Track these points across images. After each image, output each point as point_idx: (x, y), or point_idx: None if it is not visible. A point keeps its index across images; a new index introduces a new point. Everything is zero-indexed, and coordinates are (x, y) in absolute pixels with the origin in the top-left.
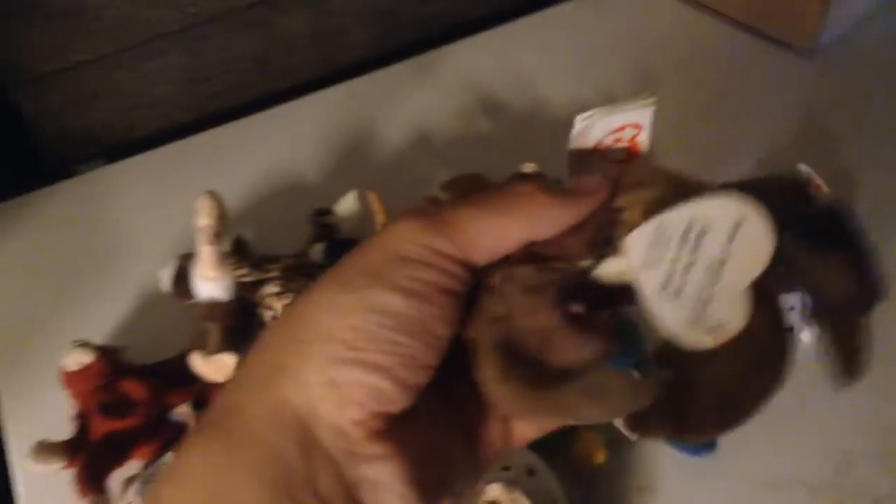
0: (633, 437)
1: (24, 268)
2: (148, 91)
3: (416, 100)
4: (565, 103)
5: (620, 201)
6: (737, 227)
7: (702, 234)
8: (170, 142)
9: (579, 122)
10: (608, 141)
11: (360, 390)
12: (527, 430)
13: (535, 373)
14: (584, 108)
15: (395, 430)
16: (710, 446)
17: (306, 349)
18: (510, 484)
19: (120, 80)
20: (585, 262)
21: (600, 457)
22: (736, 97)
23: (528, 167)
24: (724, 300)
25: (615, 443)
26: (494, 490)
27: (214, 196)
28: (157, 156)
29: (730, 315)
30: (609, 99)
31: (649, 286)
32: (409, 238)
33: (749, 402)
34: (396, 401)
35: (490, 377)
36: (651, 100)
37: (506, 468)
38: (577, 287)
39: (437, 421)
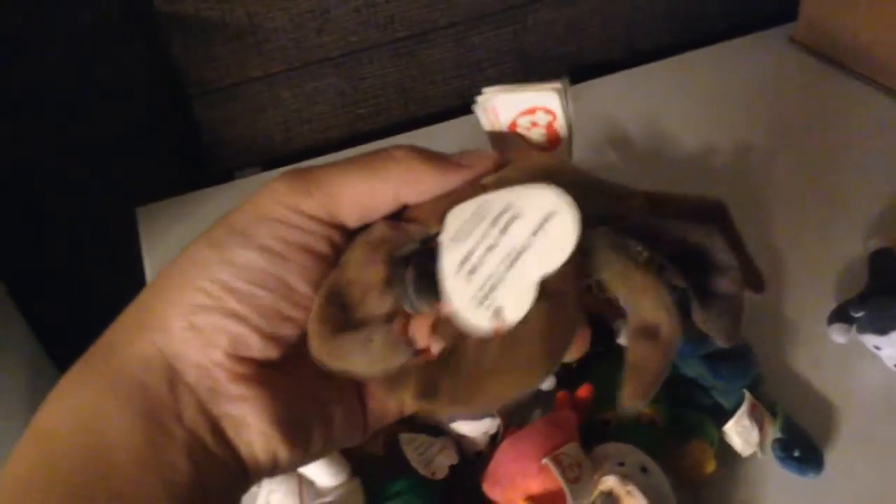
0: (381, 392)
1: None
2: (306, 109)
3: None
4: (694, 144)
5: (486, 179)
6: (546, 219)
7: (513, 219)
8: (320, 155)
9: (481, 98)
10: (523, 122)
11: (221, 335)
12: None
13: (343, 322)
14: (712, 150)
15: (264, 375)
16: (816, 467)
17: (173, 296)
18: (625, 478)
19: (283, 97)
20: (436, 231)
21: (710, 467)
22: (863, 153)
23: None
24: (511, 288)
25: (724, 456)
26: (610, 481)
27: None
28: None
29: (511, 304)
30: (739, 144)
31: (450, 260)
32: (275, 199)
33: (491, 395)
34: (258, 348)
35: (310, 319)
36: (557, 83)
37: (621, 464)
38: (414, 252)
39: (317, 374)
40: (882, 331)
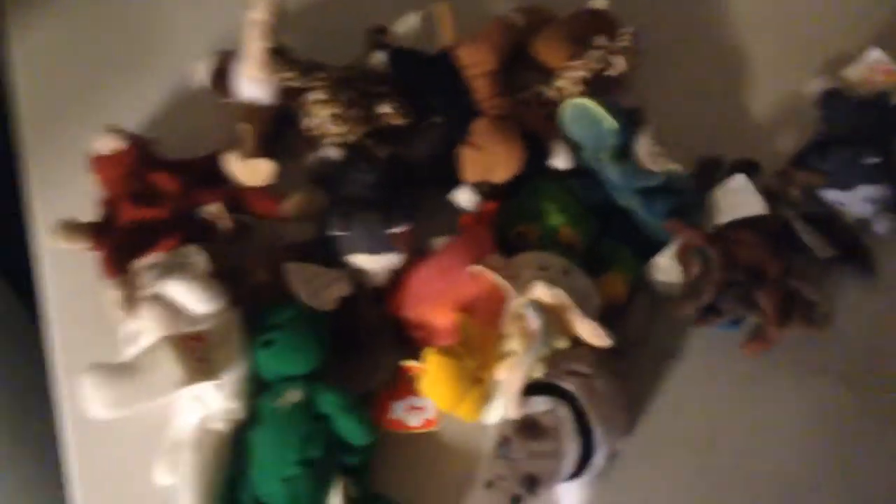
0: None
1: (60, 50)
2: None
3: None
4: None
5: None
6: None
7: None
8: None
9: None
10: None
11: None
12: None
13: None
14: None
15: None
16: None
17: None
18: (551, 283)
19: None
20: None
21: (622, 295)
22: None
23: (598, 3)
24: None
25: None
26: (538, 289)
27: None
28: None
29: None
30: None
31: None
32: None
33: None
34: None
35: None
36: None
37: (543, 269)
38: None
39: None
40: (845, 186)
